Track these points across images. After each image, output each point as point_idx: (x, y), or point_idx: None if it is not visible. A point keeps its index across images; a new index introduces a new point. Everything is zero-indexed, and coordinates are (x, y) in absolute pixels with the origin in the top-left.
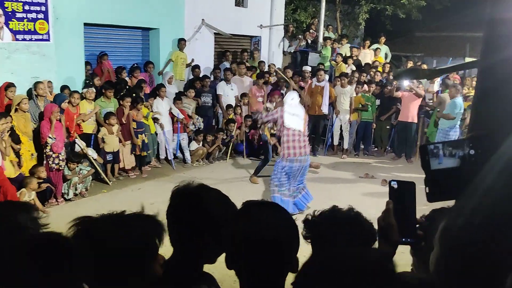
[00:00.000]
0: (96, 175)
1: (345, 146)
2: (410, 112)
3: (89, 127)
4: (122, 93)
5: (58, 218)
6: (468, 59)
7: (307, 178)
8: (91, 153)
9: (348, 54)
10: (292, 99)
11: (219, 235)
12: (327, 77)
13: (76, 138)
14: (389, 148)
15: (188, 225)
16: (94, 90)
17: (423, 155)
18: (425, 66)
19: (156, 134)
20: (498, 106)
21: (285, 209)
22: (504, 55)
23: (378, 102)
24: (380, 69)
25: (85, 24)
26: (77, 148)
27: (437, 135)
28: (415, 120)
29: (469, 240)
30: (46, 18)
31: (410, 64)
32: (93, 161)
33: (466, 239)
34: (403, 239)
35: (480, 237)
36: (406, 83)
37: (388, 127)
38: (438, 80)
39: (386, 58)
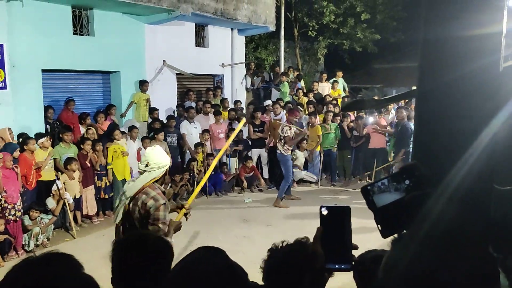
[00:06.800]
0: (63, 222)
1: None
2: (378, 140)
3: (48, 175)
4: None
5: None
6: (414, 88)
7: (277, 214)
8: (68, 196)
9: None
10: None
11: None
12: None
13: (58, 179)
14: (352, 177)
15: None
16: (49, 139)
17: (366, 197)
18: (376, 97)
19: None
20: (438, 133)
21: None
22: (442, 79)
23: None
24: (339, 100)
25: (43, 70)
26: (53, 188)
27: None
28: (383, 146)
29: (417, 272)
30: (2, 66)
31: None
32: (67, 204)
33: (414, 271)
34: (336, 266)
35: (428, 268)
36: (371, 120)
37: (349, 156)
38: (392, 110)
39: (344, 90)
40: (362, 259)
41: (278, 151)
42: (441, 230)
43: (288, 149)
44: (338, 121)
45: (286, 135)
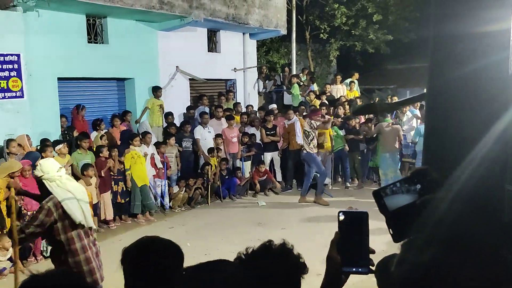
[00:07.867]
0: None
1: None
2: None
3: None
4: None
5: None
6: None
7: (291, 217)
8: None
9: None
10: None
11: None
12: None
13: None
14: (367, 179)
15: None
16: (66, 146)
17: (378, 200)
18: (395, 98)
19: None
20: (447, 130)
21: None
22: (451, 75)
23: (343, 132)
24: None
25: (59, 79)
26: None
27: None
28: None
29: (425, 273)
30: (19, 75)
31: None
32: None
33: (422, 272)
34: (353, 269)
35: (436, 269)
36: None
37: (359, 157)
38: (407, 112)
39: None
40: (386, 262)
41: (304, 152)
42: (449, 231)
43: (313, 147)
44: (339, 122)
45: (311, 129)
